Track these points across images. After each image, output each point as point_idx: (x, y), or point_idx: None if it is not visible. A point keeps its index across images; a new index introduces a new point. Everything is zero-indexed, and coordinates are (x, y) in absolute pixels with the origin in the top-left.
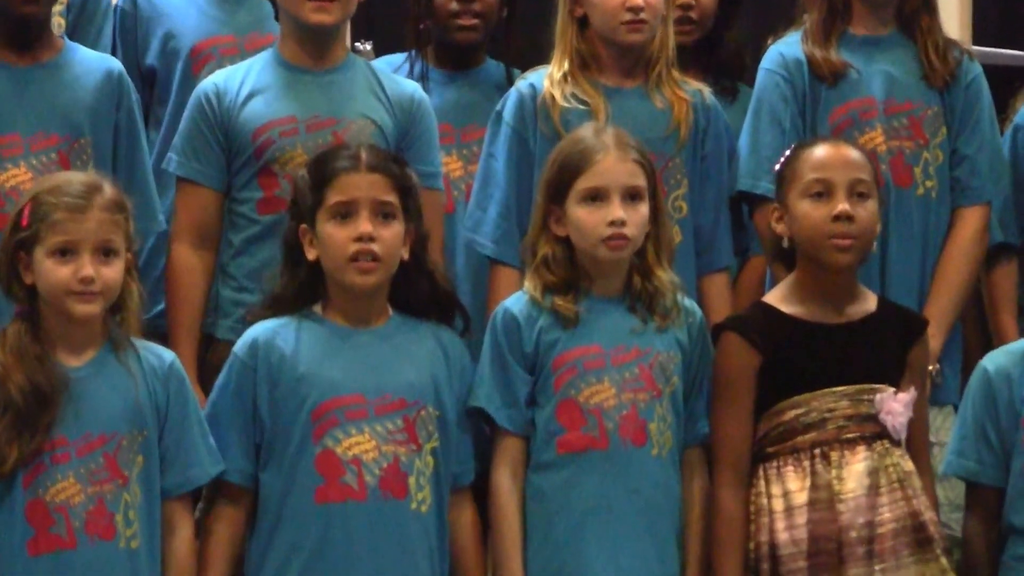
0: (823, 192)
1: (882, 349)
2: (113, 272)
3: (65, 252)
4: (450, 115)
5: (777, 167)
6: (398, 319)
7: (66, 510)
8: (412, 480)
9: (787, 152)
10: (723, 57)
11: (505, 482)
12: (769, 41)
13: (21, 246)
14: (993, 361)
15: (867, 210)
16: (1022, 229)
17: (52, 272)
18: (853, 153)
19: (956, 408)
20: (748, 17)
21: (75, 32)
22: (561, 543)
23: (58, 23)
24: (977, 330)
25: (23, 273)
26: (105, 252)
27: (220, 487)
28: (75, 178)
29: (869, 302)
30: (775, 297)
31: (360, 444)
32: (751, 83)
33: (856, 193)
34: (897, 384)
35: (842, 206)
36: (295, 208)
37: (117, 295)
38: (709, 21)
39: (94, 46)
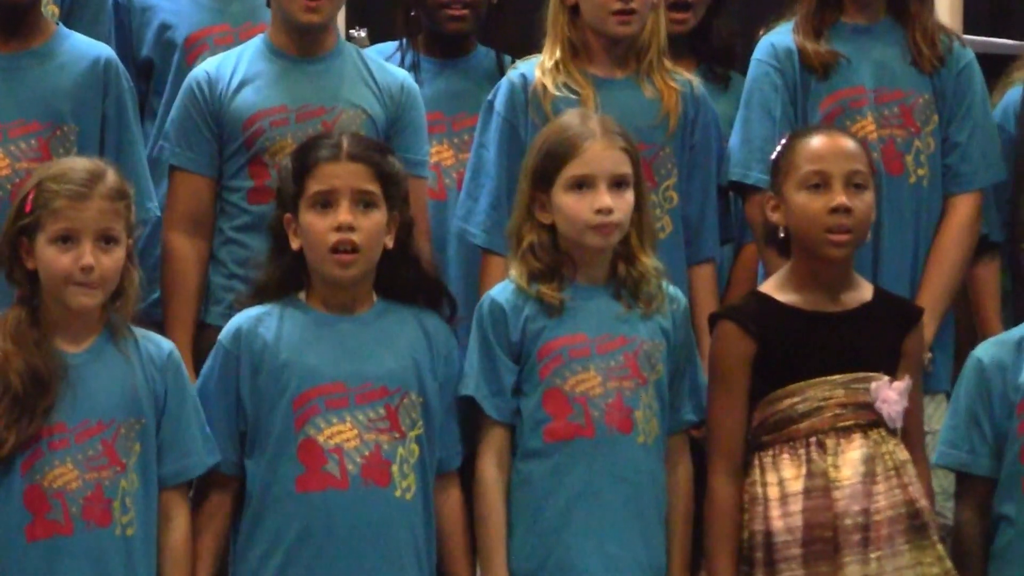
0: (820, 184)
1: (877, 337)
2: (113, 261)
3: (66, 239)
4: (441, 103)
5: (773, 156)
6: (382, 306)
7: (63, 496)
8: (395, 468)
9: (782, 141)
10: (715, 45)
11: (490, 471)
12: (761, 32)
13: (23, 232)
14: (986, 351)
15: (864, 201)
16: (1004, 224)
17: (53, 260)
18: (849, 143)
19: (948, 396)
20: (740, 8)
21: (69, 20)
22: (548, 530)
23: (52, 12)
24: (970, 318)
25: (25, 259)
26: (106, 240)
27: (207, 475)
28: (78, 165)
29: (865, 291)
30: (771, 286)
31: (341, 433)
32: (743, 71)
33: (853, 184)
34: (892, 372)
35: (840, 199)
36: (280, 197)
37: (117, 283)
38: (703, 7)
39: (90, 33)
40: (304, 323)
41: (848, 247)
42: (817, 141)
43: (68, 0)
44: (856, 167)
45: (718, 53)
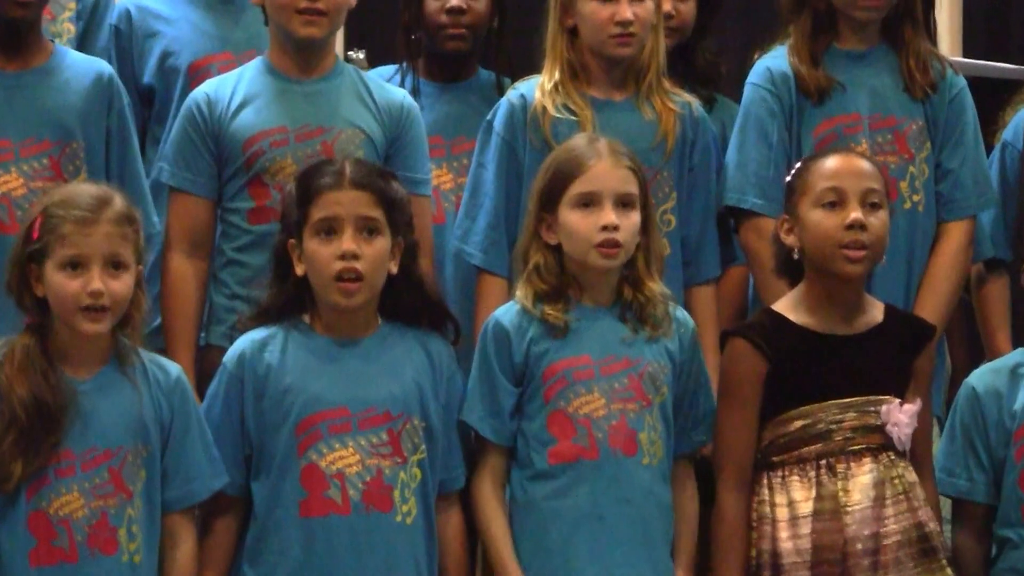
0: (836, 201)
1: (888, 359)
2: (122, 285)
3: (75, 265)
4: (440, 127)
5: (787, 179)
6: (386, 329)
7: (69, 523)
8: (396, 493)
9: (796, 164)
10: (699, 66)
11: (487, 492)
12: (756, 55)
13: (32, 258)
14: (981, 380)
15: (879, 219)
16: (1011, 244)
17: (62, 286)
18: (864, 163)
19: (939, 421)
20: (732, 30)
21: (84, 39)
22: (553, 551)
23: (68, 29)
24: (964, 346)
25: (34, 286)
26: (114, 265)
27: (214, 496)
28: (85, 190)
29: (876, 312)
30: (784, 305)
31: (343, 458)
32: (727, 93)
33: (868, 203)
34: (902, 394)
35: (855, 214)
36: (283, 222)
37: (126, 309)
38: (688, 30)
39: (99, 53)
40: (308, 348)
41: (863, 264)
42: (832, 161)
43: (84, 20)
44: (872, 186)
45: (702, 75)
